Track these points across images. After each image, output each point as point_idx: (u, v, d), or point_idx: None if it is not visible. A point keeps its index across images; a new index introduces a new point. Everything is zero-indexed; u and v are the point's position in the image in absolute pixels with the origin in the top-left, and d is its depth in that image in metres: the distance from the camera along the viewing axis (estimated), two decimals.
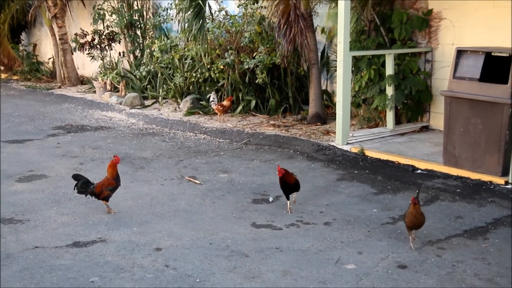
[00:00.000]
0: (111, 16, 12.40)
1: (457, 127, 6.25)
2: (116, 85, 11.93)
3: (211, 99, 9.50)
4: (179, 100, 10.51)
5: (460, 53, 6.33)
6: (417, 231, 4.67)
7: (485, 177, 6.00)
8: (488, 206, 5.34)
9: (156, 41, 11.65)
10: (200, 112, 9.88)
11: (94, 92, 12.48)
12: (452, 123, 6.31)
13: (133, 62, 12.40)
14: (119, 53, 12.86)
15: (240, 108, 9.67)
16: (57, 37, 13.99)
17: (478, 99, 6.03)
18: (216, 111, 9.32)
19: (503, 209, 5.25)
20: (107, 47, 12.91)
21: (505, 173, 5.90)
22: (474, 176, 6.09)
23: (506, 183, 5.82)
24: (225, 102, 9.17)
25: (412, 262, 4.23)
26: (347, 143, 7.42)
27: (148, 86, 11.58)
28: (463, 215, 5.14)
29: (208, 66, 9.95)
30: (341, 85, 7.34)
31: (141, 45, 12.40)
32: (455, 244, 4.53)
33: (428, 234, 4.73)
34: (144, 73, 11.58)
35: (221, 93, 9.99)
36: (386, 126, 8.07)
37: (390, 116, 7.99)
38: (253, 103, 9.65)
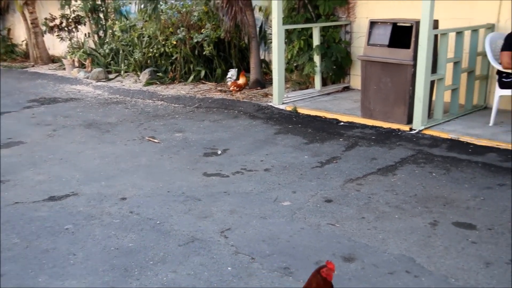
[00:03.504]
0: (76, 1, 11.92)
1: (371, 85, 6.34)
2: (83, 62, 11.50)
3: (228, 75, 8.80)
4: (139, 73, 10.24)
5: (372, 24, 6.36)
6: (341, 171, 4.76)
7: (394, 126, 6.13)
8: (397, 148, 5.48)
9: (117, 22, 11.31)
10: (157, 82, 9.67)
11: (64, 69, 12.01)
12: (367, 82, 6.38)
13: (97, 41, 11.99)
14: (85, 34, 12.38)
15: (191, 77, 9.52)
16: (29, 22, 13.31)
17: (388, 62, 6.10)
18: (231, 89, 8.46)
19: (408, 150, 5.39)
20: (74, 29, 12.39)
21: (409, 122, 6.04)
22: (385, 125, 6.21)
23: (411, 129, 5.97)
24: (240, 80, 8.40)
25: (336, 197, 4.32)
26: (283, 103, 7.43)
27: (112, 61, 11.23)
28: (377, 156, 5.26)
29: (163, 43, 9.70)
30: (276, 54, 7.30)
31: (104, 26, 11.95)
32: (370, 180, 4.65)
33: (349, 173, 4.82)
34: (107, 51, 11.23)
35: (174, 66, 9.79)
36: (314, 87, 8.11)
37: (317, 79, 8.04)
38: (203, 72, 9.51)
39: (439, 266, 3.20)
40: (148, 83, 9.59)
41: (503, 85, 5.79)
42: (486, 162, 4.92)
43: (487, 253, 3.33)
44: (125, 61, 10.78)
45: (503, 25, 6.38)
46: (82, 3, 11.72)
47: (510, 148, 5.18)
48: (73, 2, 11.98)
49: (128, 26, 10.92)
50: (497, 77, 5.93)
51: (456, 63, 6.26)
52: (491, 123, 5.91)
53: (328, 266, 2.42)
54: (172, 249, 3.56)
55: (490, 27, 6.43)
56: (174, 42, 9.43)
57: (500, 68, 5.76)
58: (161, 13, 9.70)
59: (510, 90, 5.71)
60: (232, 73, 8.66)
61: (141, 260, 3.42)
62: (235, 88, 8.31)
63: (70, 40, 12.41)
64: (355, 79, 8.08)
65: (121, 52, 10.91)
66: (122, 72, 10.65)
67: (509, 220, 3.76)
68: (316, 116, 6.83)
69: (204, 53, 9.22)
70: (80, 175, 5.07)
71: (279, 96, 7.41)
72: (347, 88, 8.27)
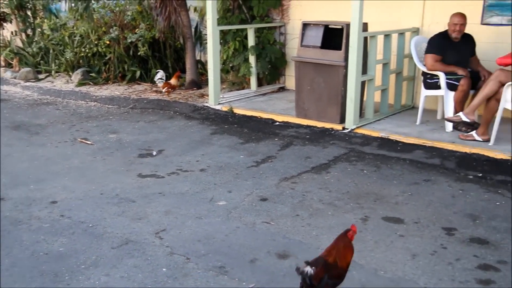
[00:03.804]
0: None
1: (305, 86, 6.46)
2: (10, 61, 10.99)
3: (158, 76, 8.38)
4: (70, 73, 9.89)
5: (305, 26, 6.48)
6: (276, 170, 4.82)
7: (328, 125, 6.27)
8: (330, 147, 5.61)
9: (46, 20, 10.88)
10: (90, 83, 9.39)
11: None
12: (301, 83, 6.50)
13: (25, 40, 11.47)
14: (11, 32, 11.81)
15: (126, 78, 9.32)
16: None
17: (320, 63, 6.24)
18: (164, 91, 8.16)
19: (341, 149, 5.54)
20: None
21: (342, 121, 6.21)
22: (319, 124, 6.35)
23: (343, 128, 6.13)
24: (172, 81, 8.20)
25: (272, 195, 4.37)
26: (219, 103, 7.43)
27: (41, 61, 10.76)
28: (311, 155, 5.36)
29: (96, 42, 9.44)
30: (212, 55, 7.30)
31: (32, 24, 11.46)
32: (305, 179, 4.73)
33: (284, 172, 4.89)
34: (36, 50, 10.77)
35: (108, 66, 9.55)
36: (250, 88, 8.17)
37: (253, 80, 8.10)
38: (138, 73, 9.32)
39: (369, 260, 3.31)
40: (80, 84, 9.29)
41: (428, 86, 6.08)
42: (413, 159, 5.14)
43: (414, 245, 3.48)
44: (56, 60, 10.38)
45: (426, 29, 6.70)
46: (7, 0, 11.16)
47: (435, 146, 5.44)
48: None
49: (59, 24, 10.55)
50: (422, 78, 6.21)
51: (385, 65, 6.50)
52: (418, 122, 6.18)
53: (352, 229, 2.80)
54: (105, 252, 3.48)
55: (415, 31, 6.74)
56: (108, 42, 9.20)
57: (424, 69, 6.04)
58: (93, 11, 9.46)
59: (434, 91, 6.00)
60: (161, 74, 8.41)
61: (72, 265, 3.31)
62: (168, 89, 8.19)
63: None
64: (290, 79, 8.21)
65: (51, 51, 10.50)
66: (52, 72, 10.24)
67: (434, 214, 3.95)
68: (252, 116, 6.88)
69: (139, 53, 9.05)
70: (6, 179, 4.83)
71: (215, 97, 7.40)
72: (282, 89, 8.39)
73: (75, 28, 9.97)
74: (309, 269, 2.76)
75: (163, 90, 8.16)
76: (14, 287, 3.06)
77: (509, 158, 4.97)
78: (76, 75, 9.54)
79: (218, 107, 7.32)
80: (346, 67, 6.01)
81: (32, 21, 11.46)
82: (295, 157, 5.32)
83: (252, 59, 7.94)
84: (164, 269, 3.25)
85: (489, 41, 6.23)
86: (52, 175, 4.93)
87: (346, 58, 6.00)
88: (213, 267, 3.26)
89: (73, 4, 8.97)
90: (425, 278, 3.08)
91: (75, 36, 9.97)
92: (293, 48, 7.97)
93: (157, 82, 8.46)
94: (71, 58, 9.89)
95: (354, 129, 6.04)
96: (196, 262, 3.33)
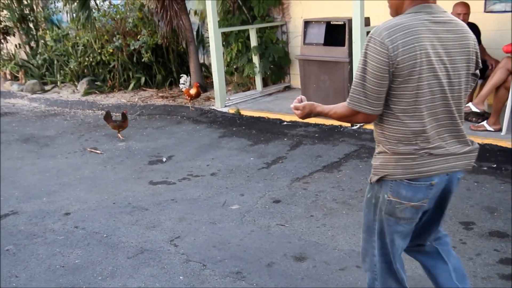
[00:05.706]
0: (2, 11, 11.35)
1: (310, 84, 6.40)
2: (16, 74, 11.01)
3: (181, 81, 7.65)
4: (76, 83, 9.89)
5: (307, 23, 6.44)
6: (287, 170, 4.76)
7: (336, 122, 6.19)
8: (340, 145, 5.55)
9: (48, 31, 10.88)
10: (96, 91, 9.38)
11: None
12: (306, 81, 6.45)
13: (29, 52, 11.48)
14: (15, 45, 11.83)
15: (131, 85, 9.30)
16: None
17: (324, 60, 6.18)
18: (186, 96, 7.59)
19: (351, 146, 5.48)
20: (2, 40, 11.81)
21: None
22: (327, 122, 6.27)
23: (352, 125, 6.06)
24: (192, 90, 7.41)
25: (284, 197, 4.32)
26: (225, 106, 7.39)
27: (47, 72, 10.77)
28: (321, 154, 5.31)
29: (99, 51, 9.42)
30: (215, 57, 7.26)
31: (35, 36, 11.47)
32: (316, 178, 4.68)
33: (295, 173, 4.84)
34: (40, 62, 10.77)
35: (113, 74, 9.53)
36: (256, 89, 8.12)
37: (258, 80, 8.05)
38: (143, 79, 9.31)
39: None
40: (86, 93, 9.29)
41: None
42: None
43: None
44: (61, 71, 10.37)
45: None
46: (9, 13, 11.17)
47: None
48: None
49: (61, 35, 10.54)
50: None
51: None
52: None
53: None
54: (121, 262, 3.44)
55: None
56: (111, 50, 9.18)
57: None
58: (94, 20, 9.43)
59: None
60: (184, 79, 7.70)
61: (89, 277, 3.28)
62: (187, 97, 7.65)
63: None
64: (295, 78, 8.15)
65: (55, 62, 10.49)
66: (58, 83, 10.24)
67: (450, 208, 3.86)
68: (259, 117, 6.83)
69: (143, 60, 9.02)
70: (19, 192, 4.81)
71: (221, 99, 7.36)
72: (288, 88, 8.34)
73: (77, 38, 9.96)
74: None
75: (186, 96, 7.58)
76: None
77: None
78: (82, 85, 9.54)
79: (225, 109, 7.27)
80: (350, 63, 5.96)
81: (34, 33, 11.46)
82: (306, 156, 5.26)
83: (255, 59, 7.90)
84: (181, 277, 3.22)
85: (493, 28, 6.14)
86: (64, 187, 4.91)
87: (350, 54, 5.94)
88: (230, 273, 3.22)
89: (74, 15, 8.93)
90: None
91: (78, 46, 9.96)
92: (296, 47, 7.91)
93: (181, 87, 8.02)
94: (75, 68, 9.88)
95: (363, 125, 5.98)
96: (212, 268, 3.29)
